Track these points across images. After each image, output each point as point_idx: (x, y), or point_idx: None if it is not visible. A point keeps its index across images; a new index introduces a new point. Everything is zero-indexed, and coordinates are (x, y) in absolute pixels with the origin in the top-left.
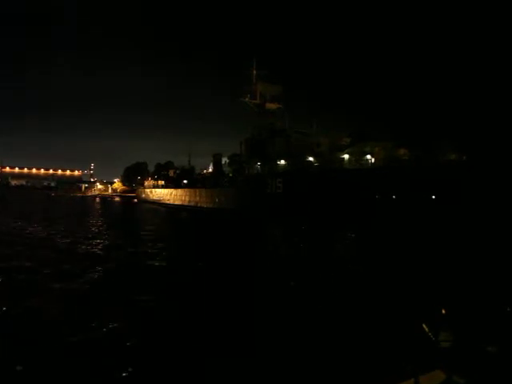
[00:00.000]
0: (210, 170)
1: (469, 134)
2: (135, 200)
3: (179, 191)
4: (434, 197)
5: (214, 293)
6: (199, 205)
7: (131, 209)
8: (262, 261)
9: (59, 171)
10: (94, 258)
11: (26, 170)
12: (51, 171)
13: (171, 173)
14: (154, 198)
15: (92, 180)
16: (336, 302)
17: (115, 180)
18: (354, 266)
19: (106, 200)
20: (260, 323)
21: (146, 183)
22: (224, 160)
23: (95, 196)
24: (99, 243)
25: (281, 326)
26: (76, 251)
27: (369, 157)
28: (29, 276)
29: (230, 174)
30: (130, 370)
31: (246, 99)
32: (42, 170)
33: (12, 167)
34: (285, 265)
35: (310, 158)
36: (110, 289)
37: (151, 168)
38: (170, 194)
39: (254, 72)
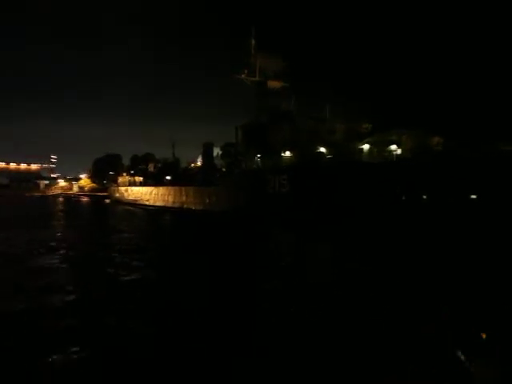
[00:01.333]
0: (199, 163)
1: None
2: (107, 200)
3: (161, 190)
4: (474, 196)
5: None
6: (186, 206)
7: (102, 212)
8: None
9: (12, 165)
10: None
11: None
12: (3, 164)
13: (151, 167)
14: (130, 197)
15: (53, 176)
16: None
17: (82, 176)
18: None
19: (70, 200)
20: (260, 323)
21: (121, 180)
22: (216, 151)
23: (58, 195)
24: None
25: (281, 326)
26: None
27: (394, 147)
28: None
29: (224, 169)
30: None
31: (243, 76)
32: None
33: None
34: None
35: (322, 149)
36: None
37: (126, 161)
38: (150, 194)
39: (253, 42)
